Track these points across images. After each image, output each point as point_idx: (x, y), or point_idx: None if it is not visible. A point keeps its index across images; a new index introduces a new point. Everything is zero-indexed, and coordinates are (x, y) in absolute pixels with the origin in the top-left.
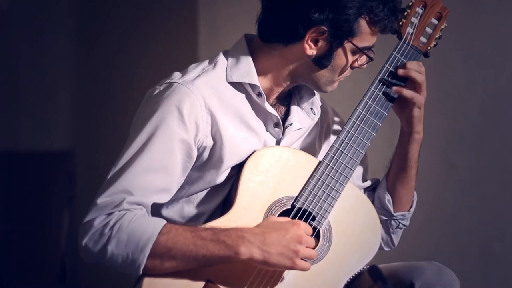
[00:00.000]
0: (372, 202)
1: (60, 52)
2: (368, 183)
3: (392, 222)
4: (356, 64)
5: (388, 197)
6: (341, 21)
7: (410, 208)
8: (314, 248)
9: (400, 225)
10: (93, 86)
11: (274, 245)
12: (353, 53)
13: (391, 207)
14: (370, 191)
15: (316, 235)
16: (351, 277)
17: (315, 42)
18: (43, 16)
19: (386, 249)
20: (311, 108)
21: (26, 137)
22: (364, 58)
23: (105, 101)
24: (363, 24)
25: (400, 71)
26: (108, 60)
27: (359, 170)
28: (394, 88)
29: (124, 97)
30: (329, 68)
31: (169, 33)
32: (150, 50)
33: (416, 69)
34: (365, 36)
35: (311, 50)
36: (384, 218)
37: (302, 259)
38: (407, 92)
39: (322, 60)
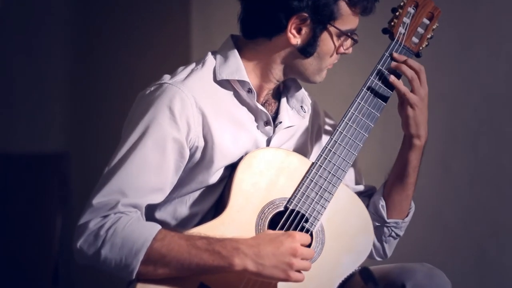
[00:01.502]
0: (367, 207)
1: (55, 55)
2: (361, 187)
3: (385, 229)
4: (341, 50)
5: (382, 202)
6: (321, 5)
7: (405, 217)
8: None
9: (393, 234)
10: (88, 88)
11: (269, 258)
12: (337, 37)
13: (384, 213)
14: (366, 197)
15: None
16: (343, 279)
17: (298, 31)
18: (38, 19)
19: (378, 259)
20: (301, 106)
21: (20, 138)
22: (349, 42)
23: (99, 103)
24: (343, 6)
25: (393, 64)
26: (102, 63)
27: (351, 173)
28: (392, 78)
29: (119, 99)
30: (315, 56)
31: (163, 36)
32: (144, 53)
33: (408, 65)
34: (347, 18)
35: (295, 39)
36: (377, 224)
37: (297, 271)
38: (402, 87)
39: (307, 48)
